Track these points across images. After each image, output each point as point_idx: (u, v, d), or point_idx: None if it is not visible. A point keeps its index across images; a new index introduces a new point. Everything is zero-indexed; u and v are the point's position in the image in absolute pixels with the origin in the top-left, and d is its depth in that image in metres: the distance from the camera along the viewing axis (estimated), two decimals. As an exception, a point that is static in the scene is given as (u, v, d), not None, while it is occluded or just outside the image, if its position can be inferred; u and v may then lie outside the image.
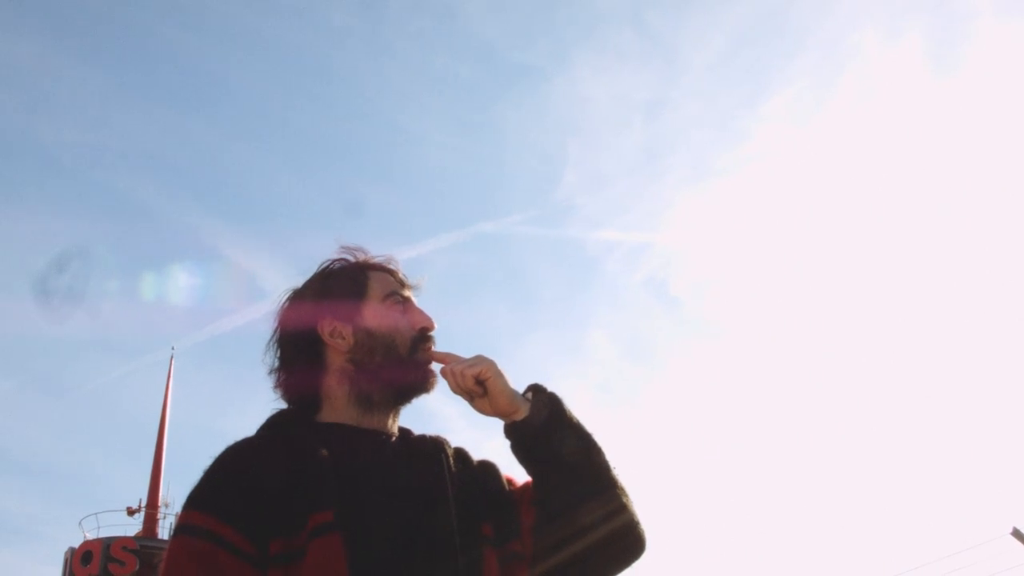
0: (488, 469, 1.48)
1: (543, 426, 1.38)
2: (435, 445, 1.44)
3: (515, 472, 1.47)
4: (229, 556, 1.21)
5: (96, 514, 19.36)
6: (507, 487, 1.47)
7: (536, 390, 1.43)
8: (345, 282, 1.48)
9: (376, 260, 1.52)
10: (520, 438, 1.39)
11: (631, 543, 1.41)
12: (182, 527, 1.25)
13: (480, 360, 1.40)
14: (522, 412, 1.39)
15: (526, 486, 1.47)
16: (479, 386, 1.39)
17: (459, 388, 1.41)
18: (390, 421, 1.45)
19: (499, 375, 1.39)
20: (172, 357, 21.81)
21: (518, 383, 1.45)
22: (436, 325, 1.48)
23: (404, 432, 1.46)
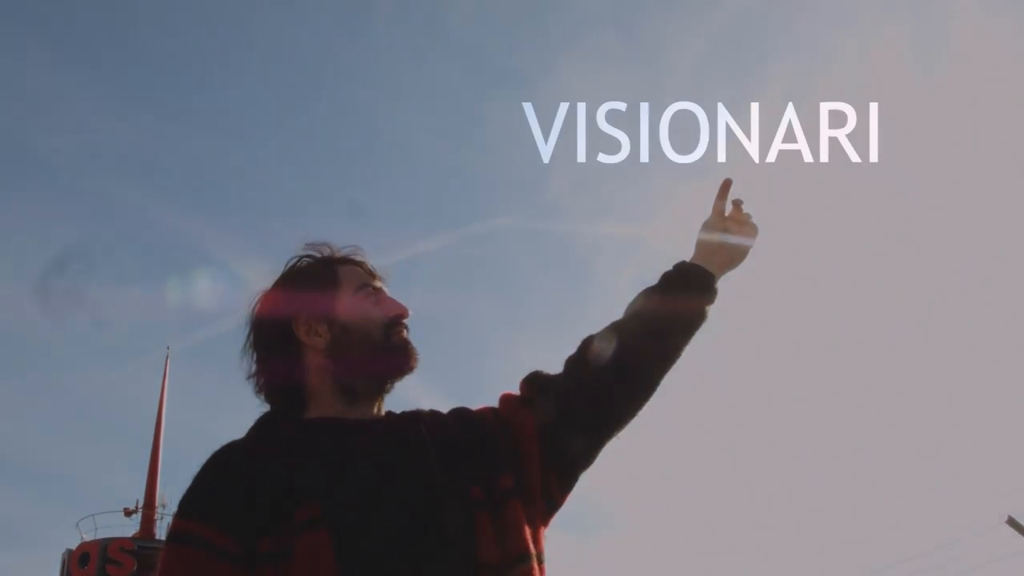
0: (461, 415, 1.49)
1: (711, 296, 1.57)
2: (413, 421, 1.44)
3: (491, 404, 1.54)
4: (219, 561, 1.23)
5: (93, 515, 19.35)
6: (486, 417, 1.48)
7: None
8: (315, 278, 1.46)
9: (342, 253, 1.50)
10: (710, 280, 1.57)
11: (646, 381, 1.52)
12: (171, 536, 1.28)
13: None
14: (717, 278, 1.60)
15: (508, 397, 1.51)
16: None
17: (738, 222, 1.60)
18: (375, 409, 1.44)
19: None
20: (167, 358, 21.78)
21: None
22: (410, 312, 1.47)
23: (388, 416, 1.46)
